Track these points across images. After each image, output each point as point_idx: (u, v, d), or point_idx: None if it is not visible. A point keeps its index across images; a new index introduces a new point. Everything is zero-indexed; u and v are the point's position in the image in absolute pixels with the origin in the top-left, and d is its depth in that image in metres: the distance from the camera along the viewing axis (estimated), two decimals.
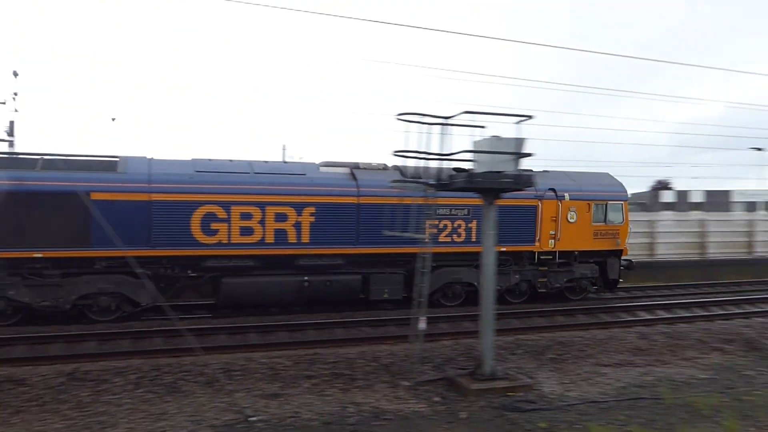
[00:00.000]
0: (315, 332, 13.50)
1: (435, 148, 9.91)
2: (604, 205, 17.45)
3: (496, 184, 9.65)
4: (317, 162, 16.12)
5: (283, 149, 40.66)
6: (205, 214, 13.97)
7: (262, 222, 14.39)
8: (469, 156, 9.97)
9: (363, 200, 15.13)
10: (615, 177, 18.64)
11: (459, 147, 9.97)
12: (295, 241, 14.68)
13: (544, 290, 17.15)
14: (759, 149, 42.72)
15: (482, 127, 9.68)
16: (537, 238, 16.78)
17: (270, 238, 14.49)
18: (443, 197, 13.10)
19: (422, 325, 10.39)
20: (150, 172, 13.88)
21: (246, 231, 14.28)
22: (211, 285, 14.76)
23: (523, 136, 9.73)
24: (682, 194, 69.75)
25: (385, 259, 15.65)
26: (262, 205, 14.35)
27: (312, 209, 14.75)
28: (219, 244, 14.15)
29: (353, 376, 10.45)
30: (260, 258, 14.64)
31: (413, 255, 12.93)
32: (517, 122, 9.80)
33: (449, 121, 9.77)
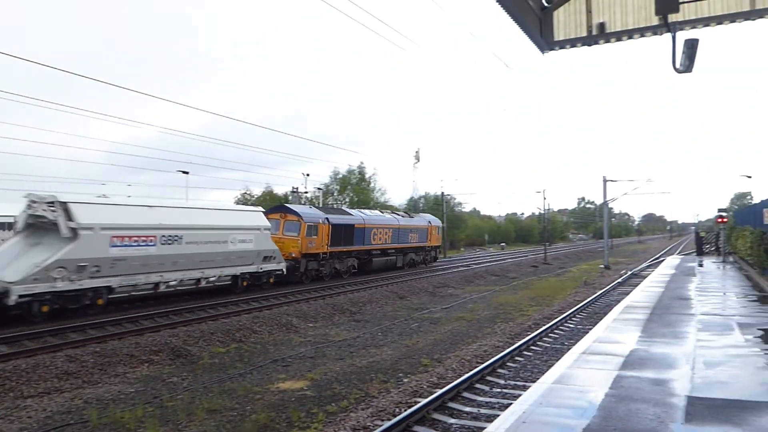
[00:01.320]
0: None
1: None
2: (438, 228, 43.47)
3: None
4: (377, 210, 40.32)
5: None
6: (374, 233, 33.71)
7: (386, 235, 34.95)
8: None
9: (401, 226, 37.13)
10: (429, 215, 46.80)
11: None
12: (390, 243, 35.61)
13: (425, 262, 41.20)
14: (186, 172, 46.86)
15: None
16: (425, 241, 40.34)
17: (384, 242, 34.90)
18: (409, 224, 39.29)
19: None
20: (361, 214, 33.91)
21: (381, 239, 34.37)
22: (368, 261, 33.89)
23: None
24: None
25: (403, 250, 37.66)
26: (384, 229, 34.89)
27: (391, 230, 35.79)
28: (376, 244, 34.06)
29: None
30: (382, 249, 34.90)
31: (406, 248, 38.03)
32: None
33: None
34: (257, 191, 66.00)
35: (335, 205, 54.38)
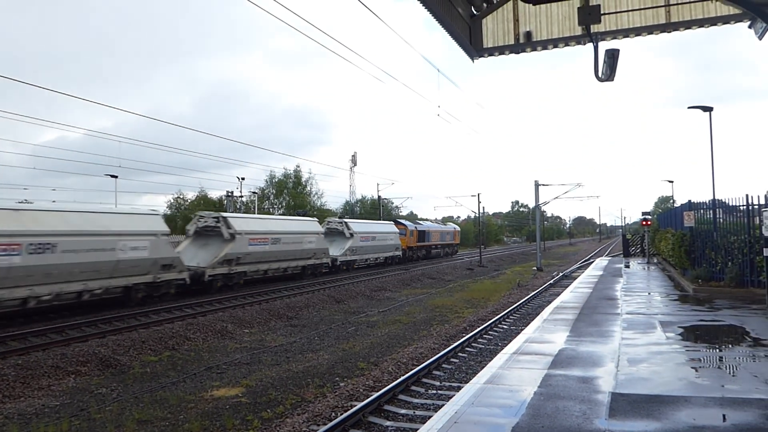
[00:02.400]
0: None
1: None
2: (458, 231, 70.38)
3: None
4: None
5: None
6: (432, 235, 58.32)
7: (437, 236, 59.89)
8: None
9: (442, 230, 63.19)
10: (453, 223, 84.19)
11: None
12: (438, 241, 59.99)
13: (451, 254, 65.08)
14: (115, 176, 45.50)
15: None
16: (453, 240, 65.63)
17: (436, 240, 59.52)
18: (446, 229, 66.69)
19: None
20: (426, 224, 61.16)
21: (435, 239, 58.96)
22: (429, 252, 58.27)
23: None
24: None
25: (443, 246, 62.56)
26: (436, 232, 59.86)
27: (439, 233, 60.89)
28: (433, 242, 58.42)
29: None
30: (434, 245, 59.25)
31: (444, 245, 63.20)
32: None
33: None
34: (191, 195, 64.71)
35: (270, 210, 66.28)
